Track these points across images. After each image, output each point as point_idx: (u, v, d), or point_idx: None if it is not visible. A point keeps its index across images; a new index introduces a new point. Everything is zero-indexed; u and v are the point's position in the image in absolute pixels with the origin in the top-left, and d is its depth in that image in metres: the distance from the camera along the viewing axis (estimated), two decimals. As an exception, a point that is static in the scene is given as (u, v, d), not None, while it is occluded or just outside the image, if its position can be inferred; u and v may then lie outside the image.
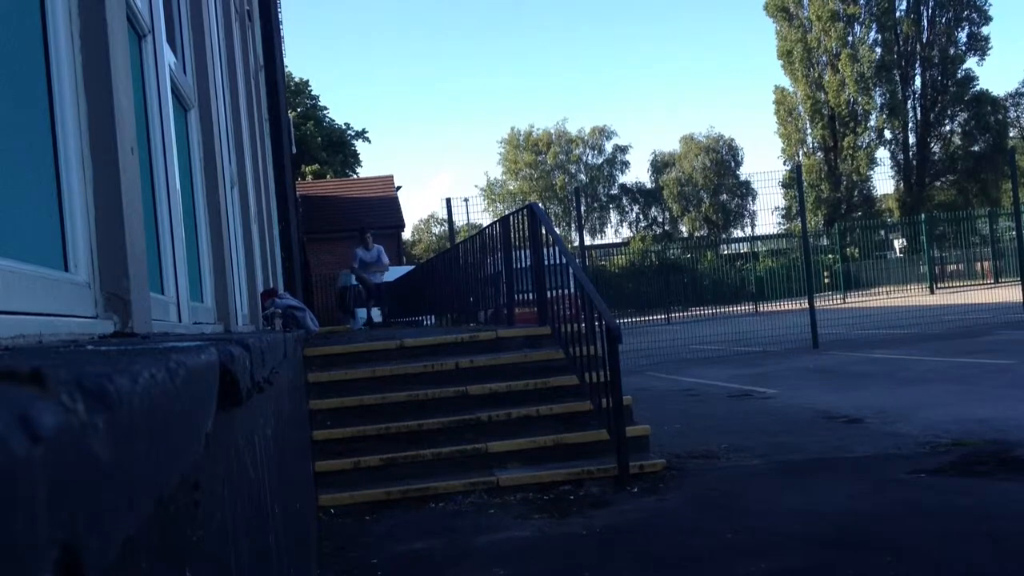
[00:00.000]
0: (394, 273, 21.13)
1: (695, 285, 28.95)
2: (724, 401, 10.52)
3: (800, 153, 55.46)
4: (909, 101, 54.52)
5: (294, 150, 23.06)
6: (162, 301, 3.44)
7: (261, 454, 1.84)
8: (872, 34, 53.11)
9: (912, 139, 54.67)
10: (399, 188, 41.46)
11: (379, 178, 42.69)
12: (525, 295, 9.25)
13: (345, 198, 37.95)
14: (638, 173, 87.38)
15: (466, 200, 22.31)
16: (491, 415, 6.83)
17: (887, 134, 54.38)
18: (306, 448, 5.55)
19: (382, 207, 37.09)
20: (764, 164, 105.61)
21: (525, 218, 8.61)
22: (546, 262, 8.22)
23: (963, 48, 53.57)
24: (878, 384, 10.68)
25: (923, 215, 34.53)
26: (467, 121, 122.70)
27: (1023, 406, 8.04)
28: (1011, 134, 55.86)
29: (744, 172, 66.59)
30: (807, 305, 17.42)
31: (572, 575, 4.38)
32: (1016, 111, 57.50)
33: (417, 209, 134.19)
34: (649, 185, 69.50)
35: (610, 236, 68.71)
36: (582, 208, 29.52)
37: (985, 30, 53.42)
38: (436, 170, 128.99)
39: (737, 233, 63.93)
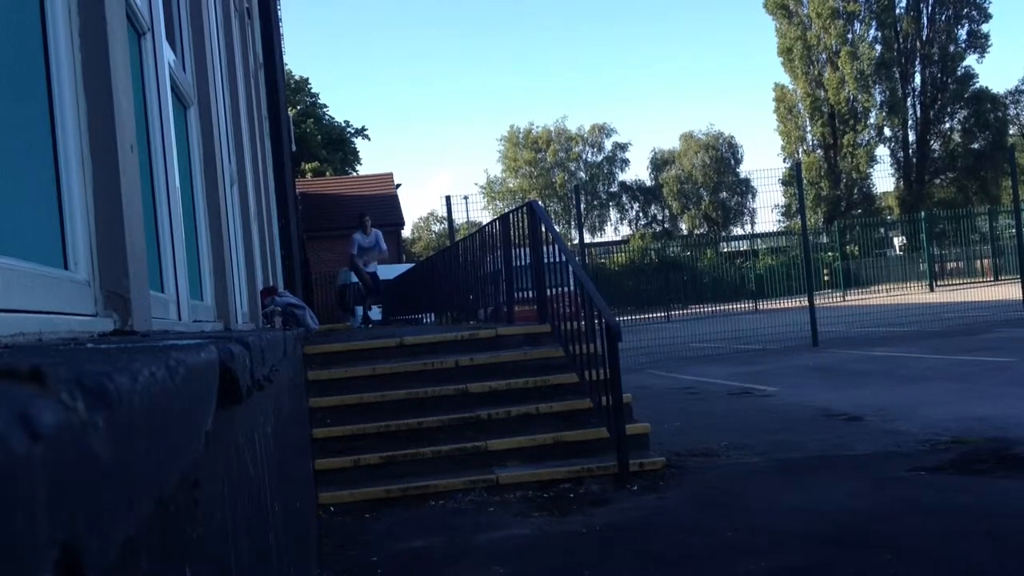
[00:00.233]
0: (394, 271, 21.12)
1: (695, 283, 28.95)
2: (724, 399, 10.52)
3: (800, 151, 55.43)
4: (909, 99, 54.51)
5: (294, 148, 23.05)
6: (162, 299, 3.44)
7: (261, 452, 1.84)
8: (872, 31, 53.10)
9: (912, 137, 54.67)
10: (399, 186, 41.48)
11: (379, 176, 42.70)
12: (525, 293, 9.25)
13: (345, 196, 37.96)
14: (638, 171, 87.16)
15: (466, 198, 22.33)
16: (491, 413, 6.83)
17: (887, 132, 54.38)
18: (306, 446, 5.55)
19: (382, 205, 37.09)
20: (764, 162, 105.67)
21: (525, 216, 8.60)
22: (546, 260, 8.22)
23: (963, 45, 53.55)
24: (878, 382, 10.68)
25: (923, 213, 34.52)
26: (467, 119, 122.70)
27: (1022, 404, 8.04)
28: (1011, 131, 55.84)
29: (744, 170, 66.50)
30: (807, 303, 17.41)
31: (572, 573, 4.38)
32: (1016, 108, 57.50)
33: (417, 207, 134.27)
34: (649, 183, 69.48)
35: (610, 234, 68.70)
36: (582, 206, 29.53)
37: (985, 27, 53.42)
38: (436, 168, 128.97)
39: (737, 231, 63.95)
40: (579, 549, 4.75)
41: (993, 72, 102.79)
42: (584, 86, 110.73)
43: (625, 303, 26.34)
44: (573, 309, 7.45)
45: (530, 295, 8.90)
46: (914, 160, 54.36)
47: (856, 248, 33.49)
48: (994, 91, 54.71)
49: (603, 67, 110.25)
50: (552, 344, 7.67)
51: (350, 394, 7.00)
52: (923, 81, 54.43)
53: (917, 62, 54.23)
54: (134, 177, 2.59)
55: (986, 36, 53.43)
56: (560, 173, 68.11)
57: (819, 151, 54.95)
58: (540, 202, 9.98)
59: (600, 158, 70.02)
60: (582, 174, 68.77)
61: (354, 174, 47.83)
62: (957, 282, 28.83)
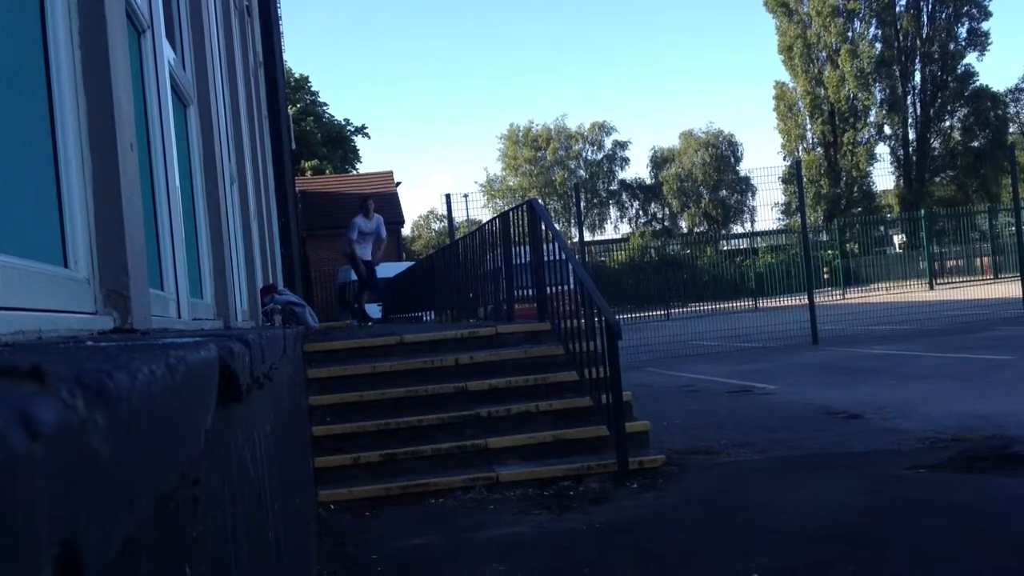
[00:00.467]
0: (394, 269, 21.10)
1: (694, 281, 28.93)
2: (723, 397, 10.52)
3: (800, 149, 55.44)
4: (909, 97, 54.51)
5: (294, 146, 23.04)
6: (162, 297, 3.44)
7: (261, 450, 1.84)
8: (872, 29, 53.12)
9: (912, 135, 54.67)
10: (399, 184, 41.46)
11: (378, 174, 42.67)
12: (525, 291, 9.25)
13: (345, 194, 37.93)
14: (638, 169, 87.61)
15: (466, 196, 22.37)
16: (491, 411, 6.83)
17: (887, 130, 54.40)
18: (306, 444, 5.55)
19: (381, 203, 37.01)
20: (764, 160, 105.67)
21: (525, 214, 8.60)
22: (546, 258, 8.21)
23: (963, 44, 53.54)
24: (878, 380, 10.68)
25: (923, 211, 34.51)
26: (467, 117, 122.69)
27: (1022, 402, 8.04)
28: (1011, 130, 55.84)
29: (744, 168, 66.70)
30: (807, 301, 17.41)
31: (572, 571, 4.38)
32: (1016, 107, 57.50)
33: (417, 205, 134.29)
34: (649, 181, 69.51)
35: (610, 232, 68.76)
36: (582, 204, 29.50)
37: (985, 25, 53.42)
38: (435, 166, 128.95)
39: (737, 229, 63.96)
40: (579, 547, 4.75)
41: (993, 70, 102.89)
42: (584, 84, 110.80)
43: (625, 301, 26.33)
44: (573, 307, 7.45)
45: (530, 293, 8.90)
46: (914, 158, 54.35)
47: (856, 246, 33.50)
48: (994, 89, 54.76)
49: (603, 65, 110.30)
50: (552, 342, 7.67)
51: (350, 392, 7.00)
52: (923, 79, 54.42)
53: (917, 60, 54.22)
54: (134, 175, 2.60)
55: (986, 34, 53.45)
56: (560, 171, 68.12)
57: (819, 149, 54.96)
58: (540, 200, 9.94)
59: (600, 156, 70.06)
60: (582, 172, 68.80)
61: (354, 172, 47.81)
62: (957, 280, 28.83)
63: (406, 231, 57.79)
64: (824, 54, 53.76)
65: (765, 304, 26.27)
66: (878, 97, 53.28)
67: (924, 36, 53.71)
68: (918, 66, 54.39)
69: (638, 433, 6.68)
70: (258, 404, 1.82)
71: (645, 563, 4.38)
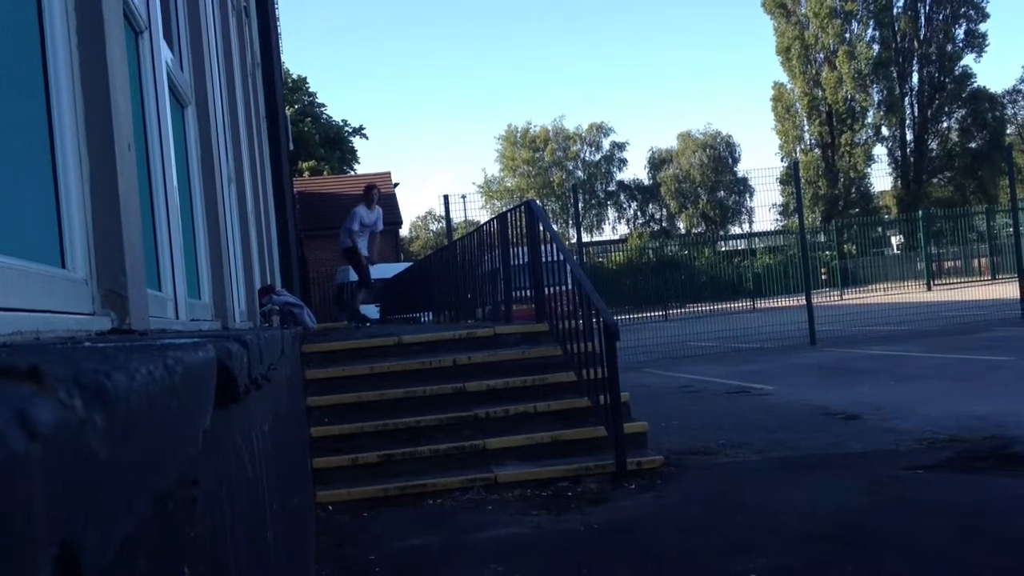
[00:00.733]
0: (392, 270, 21.10)
1: (692, 282, 28.93)
2: (722, 398, 10.53)
3: (798, 150, 55.49)
4: (906, 98, 54.57)
5: (291, 147, 23.04)
6: (159, 298, 3.44)
7: (259, 451, 1.84)
8: (869, 31, 53.18)
9: (909, 136, 54.73)
10: (396, 185, 41.45)
11: (376, 175, 42.64)
12: (523, 292, 9.25)
13: (342, 195, 37.91)
14: (636, 170, 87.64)
15: (463, 197, 22.33)
16: (489, 412, 6.83)
17: (884, 131, 54.46)
18: (304, 445, 5.55)
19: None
20: (761, 161, 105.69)
21: (523, 215, 8.60)
22: (544, 259, 8.21)
23: (961, 45, 53.60)
24: (875, 380, 10.69)
25: (920, 212, 34.55)
26: (465, 118, 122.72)
27: (1021, 402, 8.04)
28: (1008, 131, 55.91)
29: (741, 169, 66.72)
30: (805, 302, 17.43)
31: (570, 572, 4.38)
32: (1013, 108, 57.60)
33: (415, 206, 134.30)
34: (647, 182, 69.58)
35: (608, 233, 68.87)
36: (580, 205, 29.51)
37: (983, 27, 53.50)
38: (434, 167, 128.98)
39: (735, 230, 64.02)
40: (577, 547, 4.75)
41: (991, 71, 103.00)
42: (582, 85, 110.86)
43: (623, 302, 26.33)
44: (571, 308, 7.45)
45: (528, 294, 8.90)
46: (912, 159, 54.41)
47: (854, 247, 33.52)
48: (992, 90, 54.83)
49: (601, 67, 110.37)
50: (550, 343, 7.67)
51: (348, 393, 7.00)
52: (921, 80, 54.48)
53: (915, 61, 54.27)
54: (131, 176, 2.59)
55: (984, 36, 53.51)
56: (558, 172, 68.16)
57: (817, 150, 55.00)
58: (538, 201, 9.93)
59: (598, 157, 70.13)
60: (580, 173, 68.84)
61: (352, 173, 47.80)
62: (954, 281, 28.84)
63: (404, 232, 57.78)
64: (822, 55, 53.81)
65: (763, 305, 26.26)
66: (876, 98, 53.35)
67: (922, 37, 53.77)
68: (916, 67, 54.45)
69: (636, 434, 6.68)
70: (256, 405, 1.82)
71: (643, 564, 4.38)
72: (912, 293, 25.64)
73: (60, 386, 0.50)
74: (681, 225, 67.35)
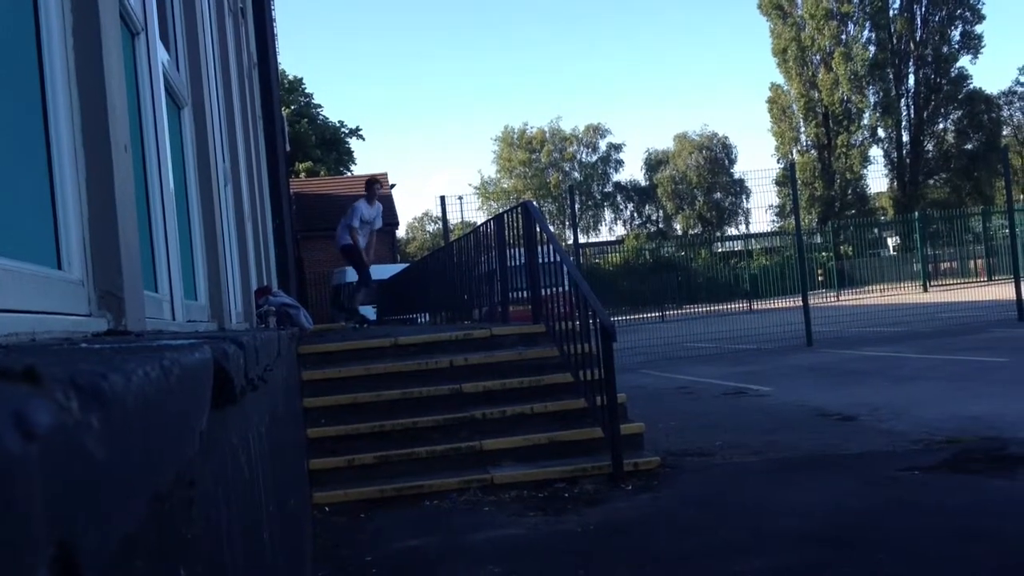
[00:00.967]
0: (388, 271, 21.08)
1: (689, 283, 28.96)
2: (719, 399, 10.53)
3: (794, 151, 55.54)
4: (902, 99, 54.63)
5: (288, 148, 23.03)
6: (156, 299, 3.43)
7: (255, 452, 1.84)
8: (866, 32, 53.24)
9: (906, 137, 54.78)
10: (393, 186, 41.41)
11: (373, 176, 42.57)
12: (519, 293, 9.25)
13: (339, 196, 37.90)
14: (632, 171, 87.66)
15: (460, 198, 22.25)
16: (485, 413, 6.83)
17: (880, 132, 54.50)
18: (300, 446, 5.55)
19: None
20: (758, 162, 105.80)
21: (519, 216, 8.60)
22: (540, 260, 8.22)
23: (956, 46, 53.66)
24: (872, 382, 10.70)
25: (916, 213, 34.58)
26: (461, 120, 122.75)
27: (1017, 403, 8.06)
28: (1004, 132, 56.01)
29: (738, 170, 66.76)
30: (801, 303, 17.44)
31: (567, 573, 4.38)
32: (1009, 109, 57.71)
33: (411, 207, 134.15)
34: (643, 183, 69.61)
35: (604, 234, 68.94)
36: (576, 206, 29.52)
37: (978, 28, 53.57)
38: (430, 169, 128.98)
39: (731, 231, 64.05)
40: (574, 548, 4.75)
41: (987, 73, 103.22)
42: (578, 87, 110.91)
43: (619, 303, 26.36)
44: (568, 309, 7.45)
45: (525, 295, 8.91)
46: (908, 161, 54.47)
47: (850, 248, 33.55)
48: (988, 92, 54.90)
49: (597, 68, 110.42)
50: (547, 344, 7.67)
51: (344, 394, 6.99)
52: (917, 82, 54.55)
53: (911, 63, 54.34)
54: (128, 177, 2.59)
55: (979, 37, 53.58)
56: (555, 173, 68.18)
57: (813, 151, 55.06)
58: (535, 202, 9.93)
59: (594, 158, 70.15)
60: (576, 174, 68.87)
61: (348, 174, 47.77)
62: (951, 282, 28.86)
63: (401, 233, 57.78)
64: (818, 57, 53.86)
65: (759, 306, 26.29)
66: (872, 100, 53.42)
67: (918, 39, 53.83)
68: (912, 69, 54.52)
69: (633, 435, 6.68)
70: (252, 406, 1.82)
71: (640, 565, 4.38)
72: (908, 294, 25.67)
73: (57, 387, 0.50)
74: (678, 226, 67.40)
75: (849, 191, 54.51)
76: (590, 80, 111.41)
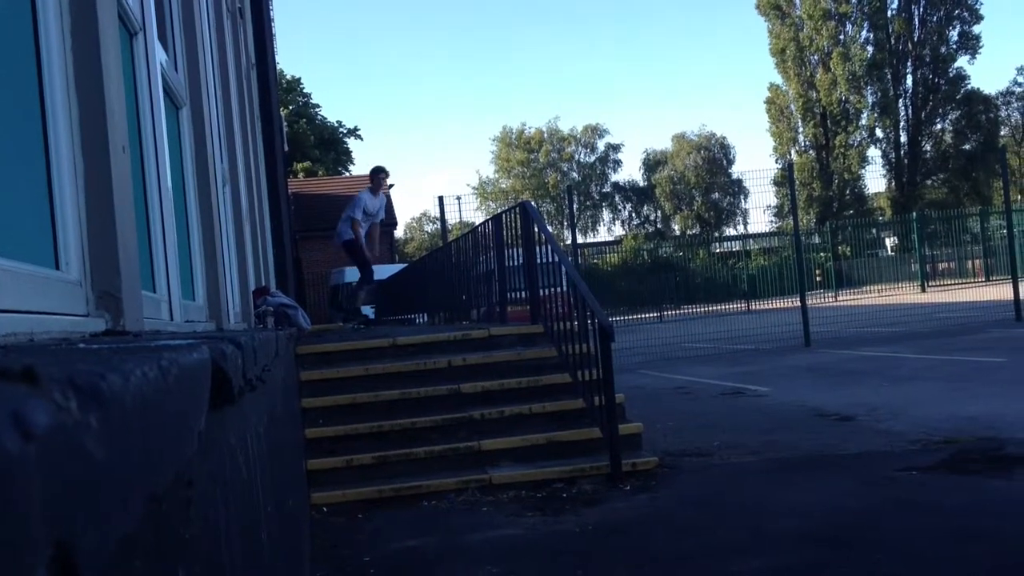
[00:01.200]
0: (386, 271, 21.07)
1: (687, 283, 28.97)
2: (717, 399, 10.54)
3: (792, 151, 55.57)
4: (900, 100, 54.68)
5: (286, 148, 23.02)
6: (154, 299, 3.43)
7: (253, 452, 1.84)
8: (864, 33, 53.30)
9: (904, 138, 54.83)
10: (391, 186, 41.38)
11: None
12: (518, 293, 9.25)
13: (337, 196, 37.87)
14: (630, 171, 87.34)
15: (458, 199, 22.28)
16: (484, 413, 6.83)
17: (879, 133, 54.54)
18: (299, 446, 5.54)
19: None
20: (756, 162, 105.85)
21: (518, 216, 8.61)
22: (539, 260, 8.22)
23: (954, 47, 53.72)
24: (870, 382, 10.71)
25: (914, 213, 34.60)
26: (459, 120, 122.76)
27: (1014, 403, 8.06)
28: (1002, 133, 56.08)
29: (736, 170, 66.76)
30: (799, 303, 17.45)
31: (565, 573, 4.38)
32: (1007, 110, 57.76)
33: (409, 207, 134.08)
34: (641, 183, 69.63)
35: (603, 234, 68.93)
36: (574, 206, 29.52)
37: (976, 29, 53.63)
38: (428, 169, 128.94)
39: (729, 231, 64.10)
40: (572, 549, 4.75)
41: (985, 73, 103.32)
42: (576, 87, 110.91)
43: (618, 303, 26.37)
44: (566, 309, 7.45)
45: (523, 295, 8.91)
46: (906, 161, 54.51)
47: (848, 249, 33.56)
48: (986, 92, 54.94)
49: (595, 68, 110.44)
50: (545, 344, 7.68)
51: (343, 394, 6.99)
52: (915, 82, 54.60)
53: (909, 63, 54.38)
54: (126, 177, 2.59)
55: (977, 37, 53.64)
56: (553, 174, 68.18)
57: (811, 152, 55.09)
58: (533, 202, 9.83)
59: (593, 159, 70.16)
60: (575, 175, 68.88)
61: (347, 174, 47.77)
62: (949, 283, 28.88)
63: (399, 233, 57.78)
64: (816, 57, 53.90)
65: (757, 306, 26.29)
66: (870, 100, 53.46)
67: (916, 39, 53.87)
68: (910, 69, 54.56)
69: (631, 435, 6.69)
70: (251, 406, 1.82)
71: (638, 565, 4.38)
72: (906, 295, 25.69)
73: (55, 387, 0.50)
74: (676, 227, 67.42)
75: (847, 191, 54.55)
76: (588, 80, 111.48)
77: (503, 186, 68.48)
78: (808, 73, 54.26)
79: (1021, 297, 18.00)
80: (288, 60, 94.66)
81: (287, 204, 17.55)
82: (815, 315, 18.00)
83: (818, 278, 31.57)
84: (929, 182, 55.37)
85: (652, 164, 68.71)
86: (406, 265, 22.55)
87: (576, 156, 69.90)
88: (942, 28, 53.48)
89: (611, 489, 6.04)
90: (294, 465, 4.25)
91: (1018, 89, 57.85)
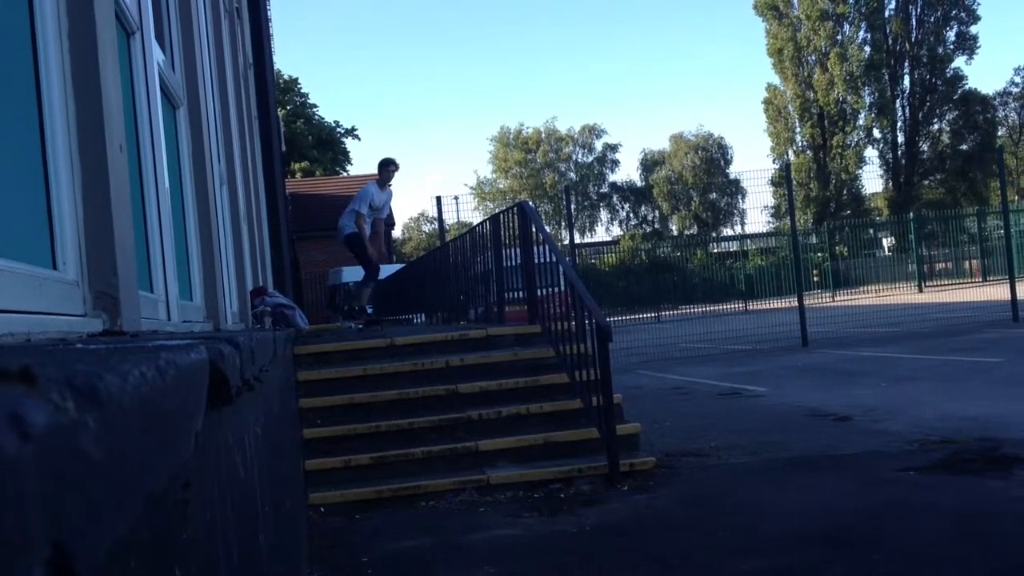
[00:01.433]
0: (384, 271, 21.04)
1: (685, 283, 28.99)
2: (714, 399, 10.54)
3: (789, 152, 55.63)
4: (898, 100, 54.74)
5: (283, 148, 23.01)
6: (151, 299, 3.43)
7: (251, 452, 1.84)
8: (861, 33, 53.34)
9: (901, 138, 54.89)
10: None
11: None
12: (515, 293, 9.25)
13: (335, 196, 37.85)
14: (628, 171, 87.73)
15: (456, 199, 22.30)
16: (481, 413, 6.83)
17: (876, 133, 54.60)
18: (296, 446, 5.54)
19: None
20: (753, 163, 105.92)
21: (515, 216, 8.60)
22: (536, 260, 8.22)
23: (952, 47, 53.79)
24: (867, 382, 10.71)
25: (912, 213, 34.66)
26: (457, 120, 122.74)
27: (1011, 403, 8.07)
28: (999, 133, 56.14)
29: (733, 171, 66.72)
30: (796, 303, 17.46)
31: (563, 573, 4.38)
32: (1004, 110, 57.84)
33: (407, 208, 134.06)
34: (639, 183, 69.64)
35: (600, 234, 68.91)
36: (572, 206, 29.53)
37: (974, 29, 53.70)
38: (426, 169, 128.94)
39: (727, 231, 64.11)
40: (569, 549, 4.75)
41: (982, 74, 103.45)
42: (574, 87, 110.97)
43: (615, 303, 26.39)
44: (564, 309, 7.46)
45: (521, 295, 8.91)
46: (903, 161, 54.57)
47: (845, 249, 33.59)
48: (983, 92, 55.02)
49: (593, 66, 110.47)
50: (542, 344, 7.67)
51: (340, 394, 6.99)
52: (912, 83, 54.66)
53: (906, 64, 54.44)
54: (123, 177, 2.59)
55: (975, 38, 53.71)
56: (550, 174, 68.18)
57: (808, 152, 55.13)
58: (531, 203, 9.73)
59: (590, 159, 70.16)
60: (572, 175, 68.88)
61: (344, 174, 47.75)
62: (946, 283, 28.92)
63: (397, 233, 57.74)
64: (814, 57, 53.94)
65: (755, 307, 26.31)
66: (867, 100, 53.50)
67: (913, 40, 53.94)
68: (907, 69, 54.62)
69: (629, 435, 6.69)
70: (248, 407, 1.82)
71: (636, 565, 4.38)
72: (903, 295, 25.72)
73: (53, 387, 0.50)
74: (673, 227, 67.44)
75: (844, 192, 54.60)
76: (586, 80, 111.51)
77: (501, 186, 68.46)
78: (805, 73, 54.31)
79: (1018, 297, 18.02)
80: (285, 60, 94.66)
81: (284, 204, 17.56)
82: (812, 315, 18.01)
83: (815, 278, 31.60)
84: (926, 182, 55.44)
85: (650, 164, 68.73)
86: (404, 265, 22.56)
87: (574, 156, 69.91)
88: (939, 28, 53.54)
89: (609, 489, 6.05)
90: (292, 465, 4.25)
91: (1015, 89, 57.99)
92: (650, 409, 9.38)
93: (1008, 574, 3.93)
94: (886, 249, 37.25)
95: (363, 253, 11.52)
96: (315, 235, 32.67)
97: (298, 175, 44.39)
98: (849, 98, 52.80)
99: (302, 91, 50.35)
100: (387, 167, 11.50)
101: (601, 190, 70.01)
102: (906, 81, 54.86)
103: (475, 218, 49.57)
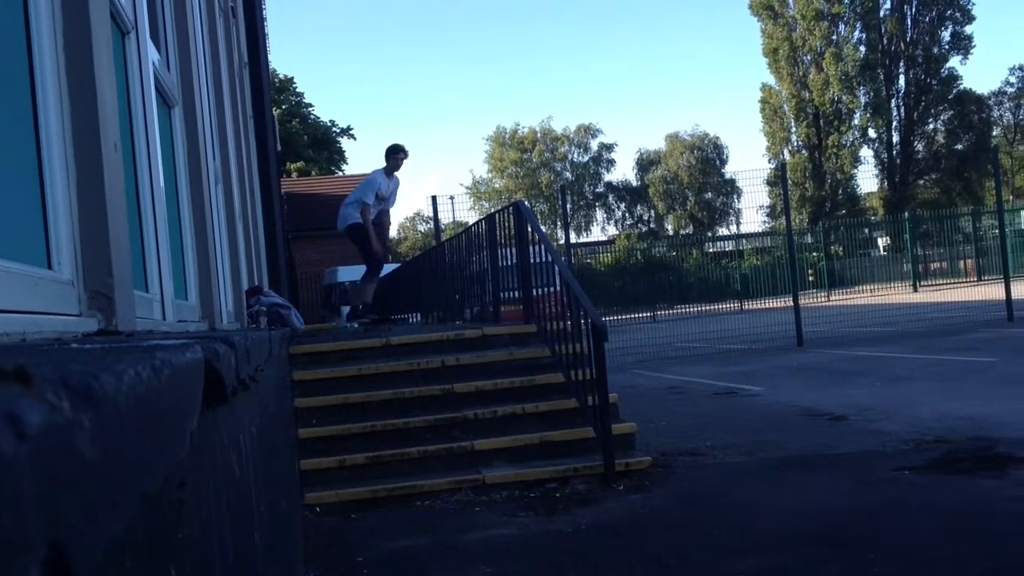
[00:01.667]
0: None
1: (680, 283, 29.03)
2: (709, 399, 10.55)
3: (785, 151, 55.69)
4: (893, 100, 54.83)
5: (279, 147, 22.99)
6: (146, 299, 3.43)
7: (246, 452, 1.84)
8: (856, 33, 53.42)
9: (896, 138, 55.00)
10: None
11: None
12: (511, 293, 9.25)
13: (330, 195, 37.82)
14: (624, 171, 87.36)
15: (452, 198, 22.32)
16: (477, 413, 6.83)
17: (871, 133, 54.72)
18: (292, 446, 5.54)
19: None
20: (749, 162, 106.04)
21: (511, 216, 8.60)
22: (532, 260, 8.22)
23: (947, 47, 53.89)
24: (862, 382, 10.73)
25: (907, 213, 34.72)
26: (453, 119, 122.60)
27: (1006, 403, 8.09)
28: (994, 133, 56.28)
29: (729, 170, 66.78)
30: (792, 303, 17.48)
31: (558, 573, 4.38)
32: (999, 110, 58.00)
33: (402, 207, 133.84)
34: (635, 183, 69.67)
35: (596, 234, 68.90)
36: (568, 206, 29.54)
37: (968, 29, 53.81)
38: (422, 168, 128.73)
39: (722, 231, 64.19)
40: (565, 548, 4.75)
41: (977, 73, 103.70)
42: (570, 87, 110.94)
43: (611, 303, 26.40)
44: (559, 309, 7.45)
45: (516, 295, 8.90)
46: (898, 161, 54.67)
47: (840, 248, 33.65)
48: (978, 92, 55.12)
49: (588, 68, 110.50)
50: (538, 344, 7.68)
51: (336, 394, 6.98)
52: (907, 82, 54.75)
53: (901, 64, 54.54)
54: (118, 176, 2.59)
55: (969, 38, 53.82)
56: (546, 173, 68.18)
57: (804, 152, 55.20)
58: (526, 202, 9.65)
59: (586, 158, 70.18)
60: (568, 174, 68.89)
61: (340, 174, 47.72)
62: (941, 282, 28.98)
63: (392, 233, 57.67)
64: (809, 57, 54.01)
65: (750, 306, 26.35)
66: (862, 100, 53.58)
67: (908, 40, 54.03)
68: (902, 69, 54.72)
69: (624, 435, 6.69)
70: (244, 406, 1.82)
71: (631, 564, 4.39)
72: (899, 294, 25.77)
73: (48, 387, 0.50)
74: (669, 226, 67.49)
75: (840, 191, 54.68)
76: (581, 80, 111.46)
77: (497, 186, 68.45)
78: (801, 73, 54.37)
79: (1013, 297, 18.05)
80: (281, 60, 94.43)
81: (280, 203, 17.54)
82: (808, 315, 18.03)
83: (811, 278, 31.65)
84: (921, 182, 55.55)
85: (645, 164, 68.77)
86: (399, 265, 22.55)
87: (569, 156, 69.93)
88: (934, 28, 53.64)
89: (604, 489, 6.05)
90: (287, 465, 4.24)
91: (1010, 89, 58.17)
92: (646, 409, 9.38)
93: (1002, 573, 3.94)
94: (881, 249, 37.32)
95: (367, 246, 10.80)
96: (310, 234, 32.65)
97: (294, 175, 44.36)
98: (844, 98, 52.88)
99: (297, 91, 50.33)
100: (396, 154, 10.88)
101: (597, 190, 70.03)
102: (901, 81, 54.99)
103: (471, 218, 49.54)
